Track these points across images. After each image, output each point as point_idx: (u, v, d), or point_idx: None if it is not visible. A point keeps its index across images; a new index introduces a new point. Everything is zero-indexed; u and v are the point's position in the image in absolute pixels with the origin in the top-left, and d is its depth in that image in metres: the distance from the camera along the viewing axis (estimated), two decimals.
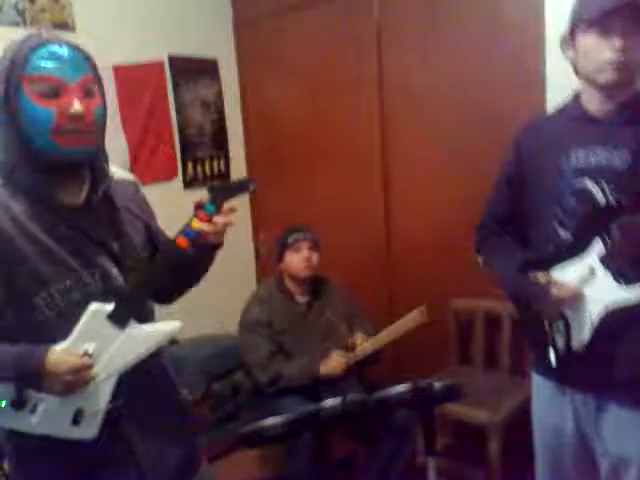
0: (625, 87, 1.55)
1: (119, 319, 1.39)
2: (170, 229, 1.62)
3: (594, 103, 1.60)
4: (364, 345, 2.74)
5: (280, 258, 2.93)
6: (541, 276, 1.61)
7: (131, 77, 3.24)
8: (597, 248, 1.53)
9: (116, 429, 1.44)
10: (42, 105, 1.31)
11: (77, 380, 1.33)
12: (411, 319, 2.66)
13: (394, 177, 3.31)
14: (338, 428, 1.49)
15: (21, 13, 2.83)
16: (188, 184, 3.62)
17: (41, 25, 2.86)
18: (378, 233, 3.38)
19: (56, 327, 1.37)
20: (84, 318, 1.37)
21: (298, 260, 2.87)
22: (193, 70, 3.61)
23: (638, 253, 1.45)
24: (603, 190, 1.54)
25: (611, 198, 1.52)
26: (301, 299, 2.91)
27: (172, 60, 3.49)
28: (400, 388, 1.39)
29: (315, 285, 2.95)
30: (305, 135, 3.64)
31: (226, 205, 1.43)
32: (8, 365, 1.32)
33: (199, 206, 1.42)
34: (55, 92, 1.32)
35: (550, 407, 1.77)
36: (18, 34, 1.38)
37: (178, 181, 3.58)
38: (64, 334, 1.36)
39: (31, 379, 1.33)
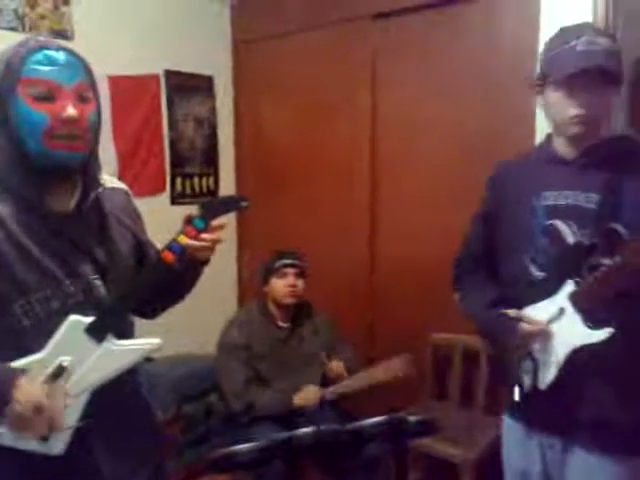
0: (591, 137, 1.61)
1: (97, 333, 1.37)
2: (154, 244, 1.61)
3: (563, 147, 1.66)
4: (344, 384, 2.73)
5: (265, 281, 2.91)
6: (511, 312, 1.64)
7: (126, 88, 3.24)
8: (568, 288, 1.56)
9: (84, 444, 1.40)
10: (36, 108, 1.31)
11: (39, 422, 1.27)
12: (395, 365, 2.65)
13: (382, 205, 3.32)
14: (309, 458, 1.46)
15: (20, 18, 2.83)
16: (175, 200, 3.60)
17: (39, 31, 2.85)
18: (362, 259, 3.37)
19: (33, 336, 1.34)
20: (62, 329, 1.35)
21: (282, 286, 2.85)
22: (188, 85, 3.62)
23: (607, 294, 1.46)
24: (573, 231, 1.58)
25: (580, 238, 1.56)
26: (283, 324, 2.89)
27: (168, 74, 3.50)
28: (375, 420, 1.37)
29: (297, 311, 2.93)
30: (296, 157, 3.65)
31: (215, 221, 1.42)
32: None
33: (188, 220, 1.41)
34: (50, 96, 1.31)
35: (519, 450, 1.78)
36: (16, 39, 1.37)
37: (165, 196, 3.56)
38: (41, 344, 1.33)
39: None
